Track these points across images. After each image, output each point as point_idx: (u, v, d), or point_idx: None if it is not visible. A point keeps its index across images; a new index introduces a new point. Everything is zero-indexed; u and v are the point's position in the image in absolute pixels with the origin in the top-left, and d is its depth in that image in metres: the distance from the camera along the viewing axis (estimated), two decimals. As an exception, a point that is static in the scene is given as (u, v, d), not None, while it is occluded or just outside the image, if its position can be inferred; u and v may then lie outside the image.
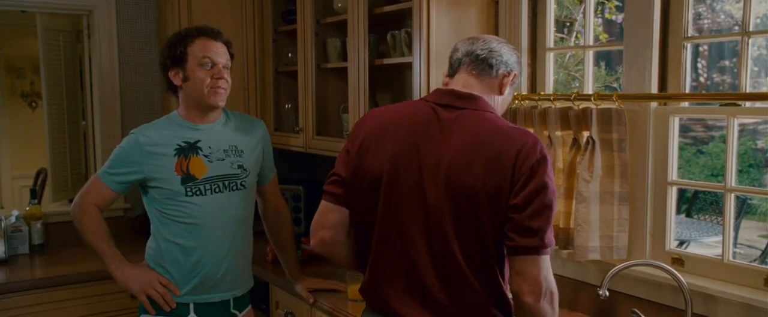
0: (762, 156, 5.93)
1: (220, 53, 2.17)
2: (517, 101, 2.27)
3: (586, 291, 2.19)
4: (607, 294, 1.87)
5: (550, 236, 1.49)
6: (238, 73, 3.23)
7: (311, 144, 2.98)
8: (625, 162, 2.00)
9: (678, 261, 2.00)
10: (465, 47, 1.68)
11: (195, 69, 2.14)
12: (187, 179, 2.16)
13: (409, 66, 2.47)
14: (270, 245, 2.71)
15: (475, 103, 1.62)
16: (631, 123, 2.02)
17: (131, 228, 3.46)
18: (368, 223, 1.65)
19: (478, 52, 1.65)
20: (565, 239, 2.13)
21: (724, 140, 3.39)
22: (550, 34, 2.36)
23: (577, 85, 4.03)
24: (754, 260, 4.82)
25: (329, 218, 1.71)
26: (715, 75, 6.35)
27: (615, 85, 4.81)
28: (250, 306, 2.40)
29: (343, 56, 2.86)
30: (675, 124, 1.99)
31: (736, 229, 4.93)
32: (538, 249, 1.48)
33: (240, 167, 2.25)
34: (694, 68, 6.02)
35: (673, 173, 2.01)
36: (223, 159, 2.22)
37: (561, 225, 2.13)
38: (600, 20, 4.91)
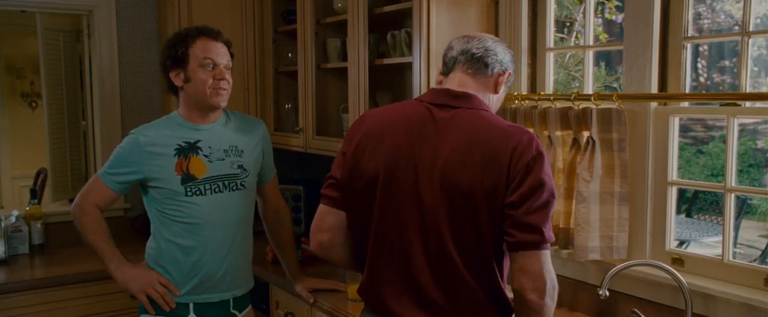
0: (762, 156, 5.93)
1: (221, 54, 2.17)
2: (517, 101, 2.27)
3: (586, 291, 2.19)
4: (607, 294, 1.87)
5: (549, 231, 1.50)
6: (238, 73, 3.23)
7: (311, 144, 2.98)
8: (625, 162, 2.00)
9: (678, 261, 2.00)
10: (460, 46, 1.68)
11: (196, 70, 2.14)
12: (187, 179, 2.16)
13: (409, 66, 2.47)
14: (270, 245, 2.71)
15: (470, 102, 1.62)
16: (631, 123, 2.02)
17: (131, 228, 3.46)
18: (365, 224, 1.66)
19: (474, 51, 1.65)
20: (565, 239, 2.13)
21: (724, 140, 3.39)
22: (550, 34, 2.36)
23: (577, 85, 4.03)
24: (754, 260, 4.82)
25: (327, 222, 1.72)
26: (715, 75, 6.35)
27: (615, 85, 4.81)
28: (250, 306, 2.40)
29: (343, 56, 2.86)
30: (675, 124, 1.99)
31: (736, 229, 4.93)
32: (539, 244, 1.48)
33: (240, 167, 2.25)
34: (694, 68, 6.01)
35: (673, 173, 2.01)
36: (223, 159, 2.22)
37: (561, 225, 2.13)
38: (600, 20, 4.91)
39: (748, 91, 1.86)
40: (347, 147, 1.70)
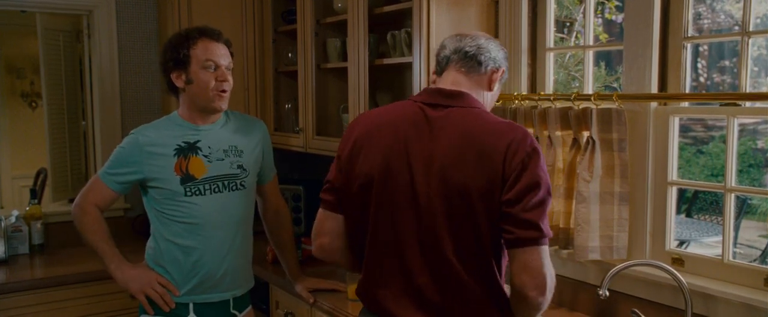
0: (762, 156, 5.93)
1: (222, 55, 2.17)
2: (517, 101, 2.27)
3: (586, 291, 2.19)
4: (607, 294, 1.87)
5: (547, 227, 1.49)
6: (238, 73, 3.23)
7: (311, 144, 2.98)
8: (625, 162, 2.00)
9: (678, 261, 2.00)
10: (453, 44, 1.68)
11: (198, 72, 2.14)
12: (187, 179, 2.16)
13: (409, 66, 2.47)
14: (270, 245, 2.71)
15: (463, 100, 1.61)
16: (631, 123, 2.02)
17: (131, 228, 3.46)
18: (362, 226, 1.66)
19: (467, 49, 1.65)
20: (565, 239, 2.13)
21: (724, 140, 3.39)
22: (550, 34, 2.36)
23: (577, 85, 4.03)
24: (754, 260, 4.82)
25: (326, 226, 1.73)
26: (715, 75, 6.35)
27: (615, 85, 4.81)
28: (250, 307, 2.40)
29: (343, 56, 2.86)
30: (675, 124, 1.99)
31: (736, 229, 4.93)
32: (538, 240, 1.47)
33: (239, 167, 2.25)
34: (694, 68, 6.02)
35: (673, 173, 2.01)
36: (223, 159, 2.22)
37: (561, 225, 2.13)
38: (600, 20, 4.91)
39: (748, 91, 1.86)
40: (342, 151, 1.70)
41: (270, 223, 2.49)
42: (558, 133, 2.13)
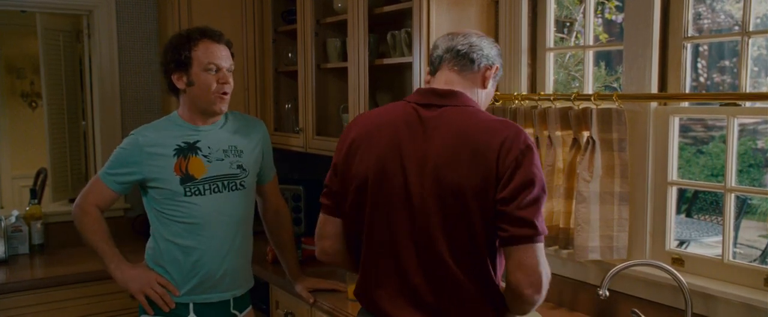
0: (762, 156, 5.93)
1: (224, 57, 2.17)
2: (517, 101, 2.27)
3: (586, 291, 2.19)
4: (607, 294, 1.87)
5: (542, 224, 1.49)
6: (238, 73, 3.23)
7: (311, 144, 2.98)
8: (625, 162, 2.00)
9: (678, 261, 2.00)
10: (445, 44, 1.68)
11: (200, 74, 2.14)
12: (186, 179, 2.16)
13: (409, 66, 2.47)
14: (270, 245, 2.71)
15: (456, 99, 1.61)
16: (631, 123, 2.02)
17: (131, 228, 3.46)
18: (359, 227, 1.66)
19: (459, 47, 1.65)
20: (565, 239, 2.13)
21: (724, 140, 3.39)
22: (550, 34, 2.36)
23: (577, 85, 4.03)
24: (754, 260, 4.82)
25: (326, 229, 1.74)
26: (715, 75, 6.35)
27: (615, 85, 4.81)
28: (250, 307, 2.40)
29: (343, 56, 2.86)
30: (675, 124, 1.99)
31: (736, 229, 4.93)
32: (533, 238, 1.47)
33: (239, 167, 2.25)
34: (694, 68, 6.02)
35: (673, 173, 2.01)
36: (223, 159, 2.23)
37: (561, 225, 2.13)
38: (600, 20, 4.91)
39: (748, 91, 1.86)
40: (338, 154, 1.71)
41: (270, 223, 2.49)
42: (558, 133, 2.13)
